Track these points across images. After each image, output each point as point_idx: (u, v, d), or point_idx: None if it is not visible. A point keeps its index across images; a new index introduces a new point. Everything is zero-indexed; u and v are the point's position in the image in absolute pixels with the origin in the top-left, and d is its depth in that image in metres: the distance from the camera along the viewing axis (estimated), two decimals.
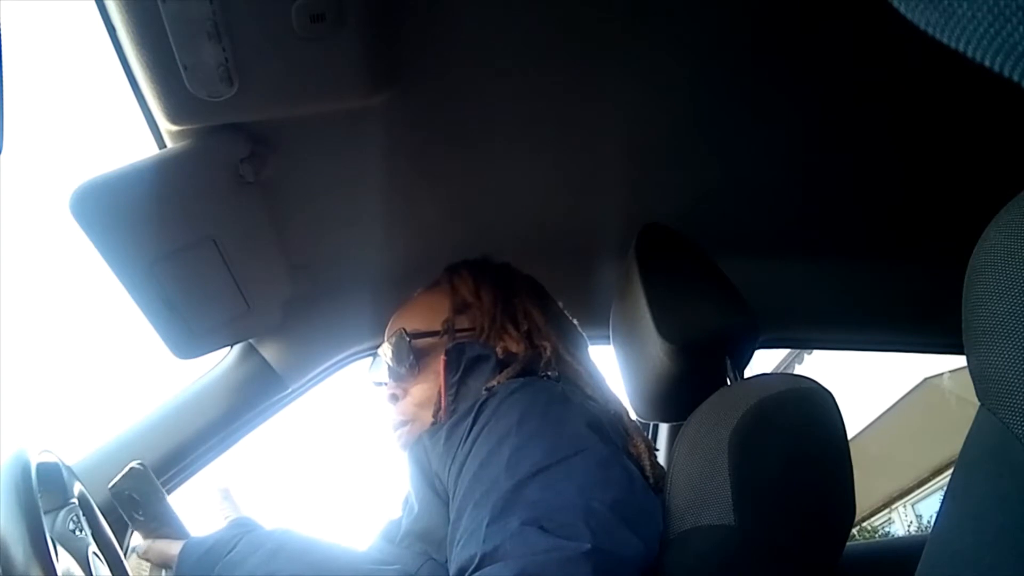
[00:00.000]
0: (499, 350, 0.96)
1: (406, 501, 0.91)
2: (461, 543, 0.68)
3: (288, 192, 1.10)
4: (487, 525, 0.66)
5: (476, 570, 0.64)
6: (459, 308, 1.04)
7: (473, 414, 0.81)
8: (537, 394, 0.82)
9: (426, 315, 1.05)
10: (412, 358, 1.01)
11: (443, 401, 0.94)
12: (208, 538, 0.85)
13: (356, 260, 1.30)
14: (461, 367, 0.93)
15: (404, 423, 1.01)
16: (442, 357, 0.95)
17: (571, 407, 0.81)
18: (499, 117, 1.07)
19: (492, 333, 0.99)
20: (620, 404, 0.97)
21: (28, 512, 0.67)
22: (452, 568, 0.68)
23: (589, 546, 0.61)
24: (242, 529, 0.85)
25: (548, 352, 0.97)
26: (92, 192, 0.90)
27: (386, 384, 1.04)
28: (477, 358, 0.94)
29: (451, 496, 0.77)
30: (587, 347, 1.09)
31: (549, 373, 0.93)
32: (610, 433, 0.81)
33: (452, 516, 0.75)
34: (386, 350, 1.03)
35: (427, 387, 0.99)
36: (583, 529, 0.63)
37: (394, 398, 1.02)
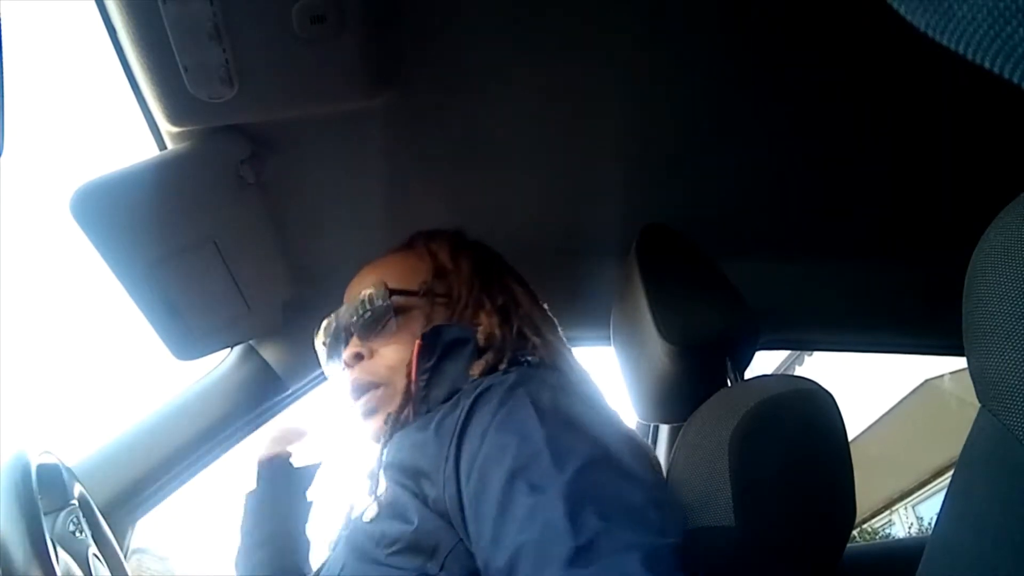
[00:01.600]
0: (480, 335, 0.87)
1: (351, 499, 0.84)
2: (523, 540, 0.61)
3: (288, 193, 1.10)
4: (566, 517, 0.60)
5: (576, 562, 0.57)
6: (437, 272, 0.96)
7: (466, 407, 0.73)
8: (542, 385, 0.75)
9: (404, 273, 0.96)
10: (392, 314, 0.92)
11: (413, 386, 0.85)
12: None
13: (356, 261, 1.29)
14: (437, 352, 0.84)
15: (373, 385, 0.90)
16: (417, 341, 0.86)
17: (578, 398, 0.76)
18: (499, 118, 1.07)
19: (470, 303, 0.93)
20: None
21: (28, 513, 0.67)
22: (521, 565, 0.60)
23: (672, 541, 0.60)
24: None
25: (531, 335, 0.91)
26: (93, 193, 0.90)
27: (346, 344, 0.95)
28: (455, 342, 0.85)
29: (453, 494, 0.69)
30: (558, 332, 1.02)
31: (530, 359, 0.86)
32: (618, 420, 0.78)
33: (472, 514, 0.67)
34: (357, 304, 0.93)
35: (400, 348, 0.90)
36: (656, 522, 0.62)
37: (358, 358, 0.91)
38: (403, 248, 1.03)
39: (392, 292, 0.93)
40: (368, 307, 0.92)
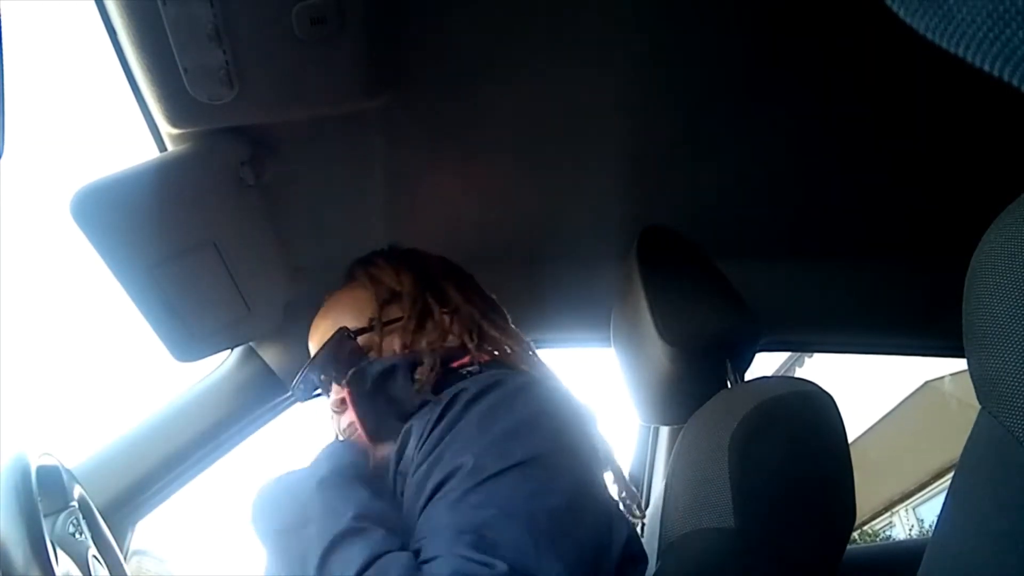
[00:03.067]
0: (422, 354, 0.88)
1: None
2: (420, 535, 0.67)
3: (288, 195, 1.10)
4: (434, 525, 0.66)
5: (421, 562, 0.64)
6: (386, 298, 0.97)
7: (436, 415, 0.75)
8: (493, 392, 0.76)
9: (355, 312, 0.96)
10: (357, 356, 0.92)
11: (362, 431, 0.85)
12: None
13: None
14: (370, 389, 0.86)
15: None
16: (345, 390, 0.87)
17: (525, 404, 0.76)
18: (499, 120, 1.07)
19: (414, 317, 0.94)
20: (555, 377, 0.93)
21: (28, 515, 0.67)
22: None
23: (506, 568, 0.60)
24: None
25: (480, 337, 0.92)
26: (93, 195, 0.90)
27: (327, 391, 0.95)
28: (383, 372, 0.86)
29: (409, 483, 0.74)
30: (509, 321, 1.03)
31: (479, 362, 0.88)
32: (560, 422, 0.76)
33: (412, 503, 0.72)
34: (325, 356, 0.94)
35: None
36: (510, 548, 0.62)
37: (342, 404, 0.91)
38: (347, 284, 1.03)
39: (357, 333, 0.94)
40: (331, 360, 0.93)
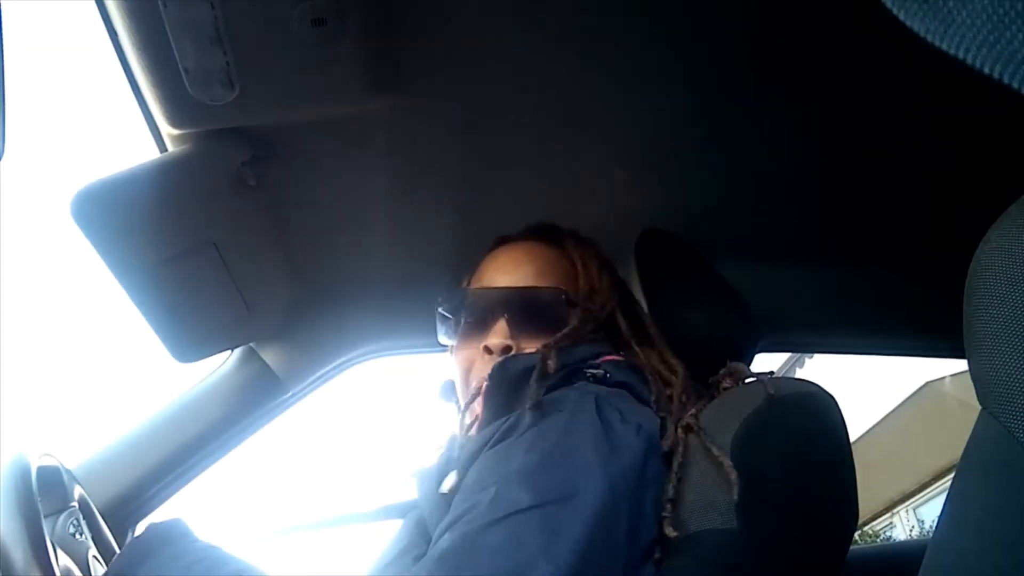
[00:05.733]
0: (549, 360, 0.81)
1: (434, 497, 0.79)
2: (426, 559, 0.64)
3: (289, 196, 1.10)
4: (437, 559, 0.62)
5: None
6: (586, 291, 0.91)
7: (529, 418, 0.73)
8: (570, 415, 0.73)
9: (563, 282, 0.92)
10: (565, 319, 0.87)
11: (480, 416, 0.83)
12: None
13: (357, 263, 1.30)
14: (505, 387, 0.81)
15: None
16: (485, 382, 0.83)
17: (599, 429, 0.72)
18: (498, 122, 1.07)
19: (602, 327, 0.90)
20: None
21: (28, 515, 0.67)
22: None
23: None
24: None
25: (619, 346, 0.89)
26: (93, 196, 0.91)
27: (486, 326, 0.89)
28: (523, 371, 0.81)
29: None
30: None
31: (595, 372, 0.83)
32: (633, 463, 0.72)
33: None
34: (525, 301, 0.88)
35: (536, 344, 0.85)
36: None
37: (507, 350, 0.86)
38: (553, 246, 0.97)
39: (569, 302, 0.89)
40: (541, 304, 0.89)
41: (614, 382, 0.82)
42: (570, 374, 0.82)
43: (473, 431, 0.84)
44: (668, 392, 0.84)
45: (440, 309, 0.97)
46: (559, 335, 0.85)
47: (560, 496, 0.64)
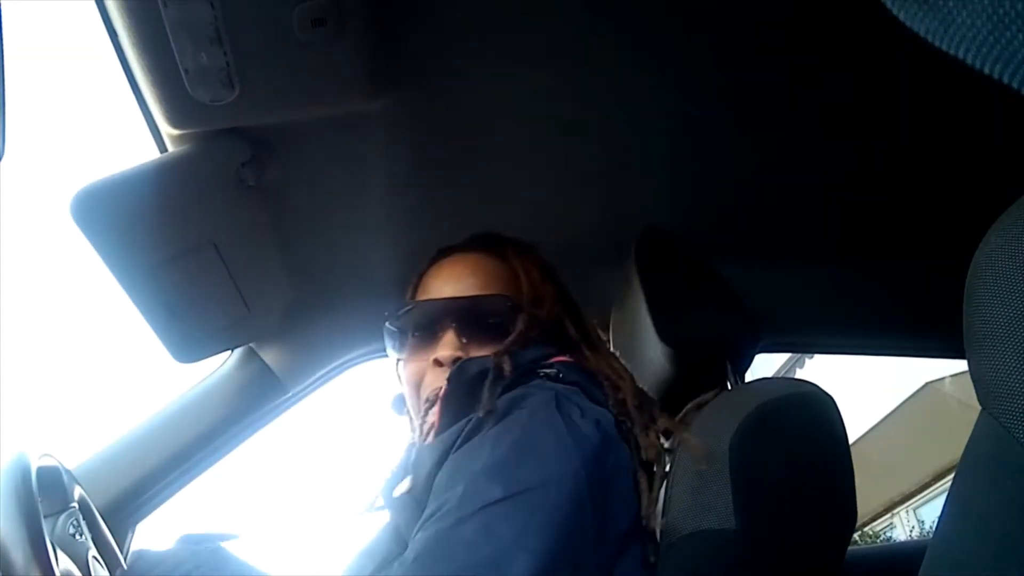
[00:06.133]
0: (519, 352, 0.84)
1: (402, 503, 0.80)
2: (403, 559, 0.65)
3: (289, 196, 1.10)
4: (413, 559, 0.63)
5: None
6: (530, 299, 0.92)
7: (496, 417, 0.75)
8: (533, 408, 0.74)
9: (507, 290, 0.92)
10: (513, 327, 0.88)
11: (436, 418, 0.83)
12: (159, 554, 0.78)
13: (357, 264, 1.30)
14: (462, 391, 0.81)
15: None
16: (441, 389, 0.84)
17: (562, 421, 0.73)
18: (499, 121, 1.07)
19: (548, 332, 0.91)
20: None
21: (28, 516, 0.67)
22: None
23: None
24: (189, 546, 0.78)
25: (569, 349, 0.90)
26: (93, 196, 0.91)
27: (435, 337, 0.90)
28: (479, 375, 0.82)
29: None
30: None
31: (548, 371, 0.84)
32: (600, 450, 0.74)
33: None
34: (474, 301, 0.89)
35: (485, 352, 0.86)
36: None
37: (457, 361, 0.86)
38: (494, 255, 0.97)
39: (514, 308, 0.90)
40: (487, 311, 0.89)
41: (568, 381, 0.83)
42: (523, 375, 0.83)
43: (430, 439, 0.84)
44: (620, 396, 0.84)
45: (387, 323, 0.97)
46: (509, 340, 0.86)
47: (529, 487, 0.66)
